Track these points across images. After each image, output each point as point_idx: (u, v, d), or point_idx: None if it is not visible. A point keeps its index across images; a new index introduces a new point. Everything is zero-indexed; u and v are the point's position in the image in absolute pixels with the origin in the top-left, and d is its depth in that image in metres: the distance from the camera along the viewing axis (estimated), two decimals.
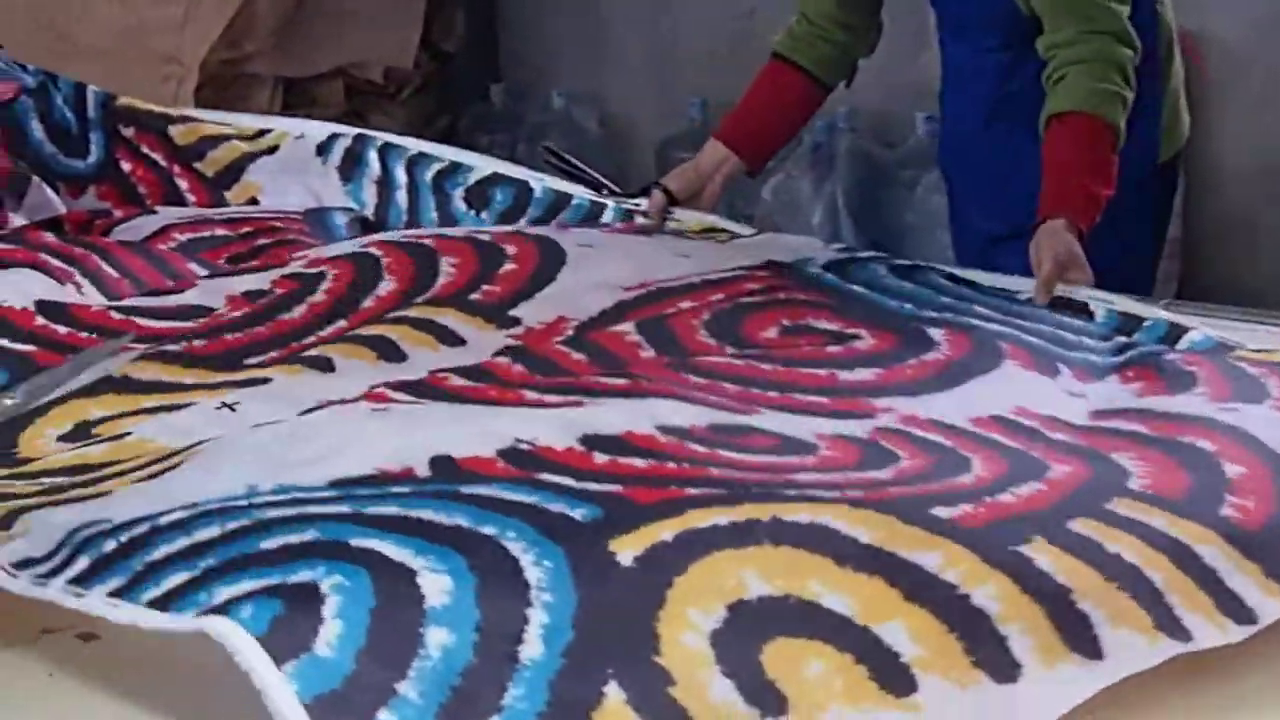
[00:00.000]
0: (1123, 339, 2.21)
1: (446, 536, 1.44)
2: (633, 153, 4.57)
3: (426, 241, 2.47)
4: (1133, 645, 1.43)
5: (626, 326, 2.15)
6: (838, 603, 1.41)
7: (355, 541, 1.43)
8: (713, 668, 1.35)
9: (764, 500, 1.53)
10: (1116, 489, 1.64)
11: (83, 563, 1.52)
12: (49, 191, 2.97)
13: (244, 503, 1.56)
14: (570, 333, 2.16)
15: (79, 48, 4.08)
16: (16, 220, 2.86)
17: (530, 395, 1.91)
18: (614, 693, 1.32)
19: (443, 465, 1.62)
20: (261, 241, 2.74)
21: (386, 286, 2.34)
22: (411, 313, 2.25)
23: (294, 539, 1.45)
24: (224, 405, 2.01)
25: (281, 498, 1.56)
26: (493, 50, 4.85)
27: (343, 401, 1.91)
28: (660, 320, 2.17)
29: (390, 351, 2.14)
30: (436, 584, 1.38)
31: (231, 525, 1.50)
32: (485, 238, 2.48)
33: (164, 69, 4.03)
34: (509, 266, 2.35)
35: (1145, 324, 2.26)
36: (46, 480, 1.80)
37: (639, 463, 1.65)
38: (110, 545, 1.53)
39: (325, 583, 1.37)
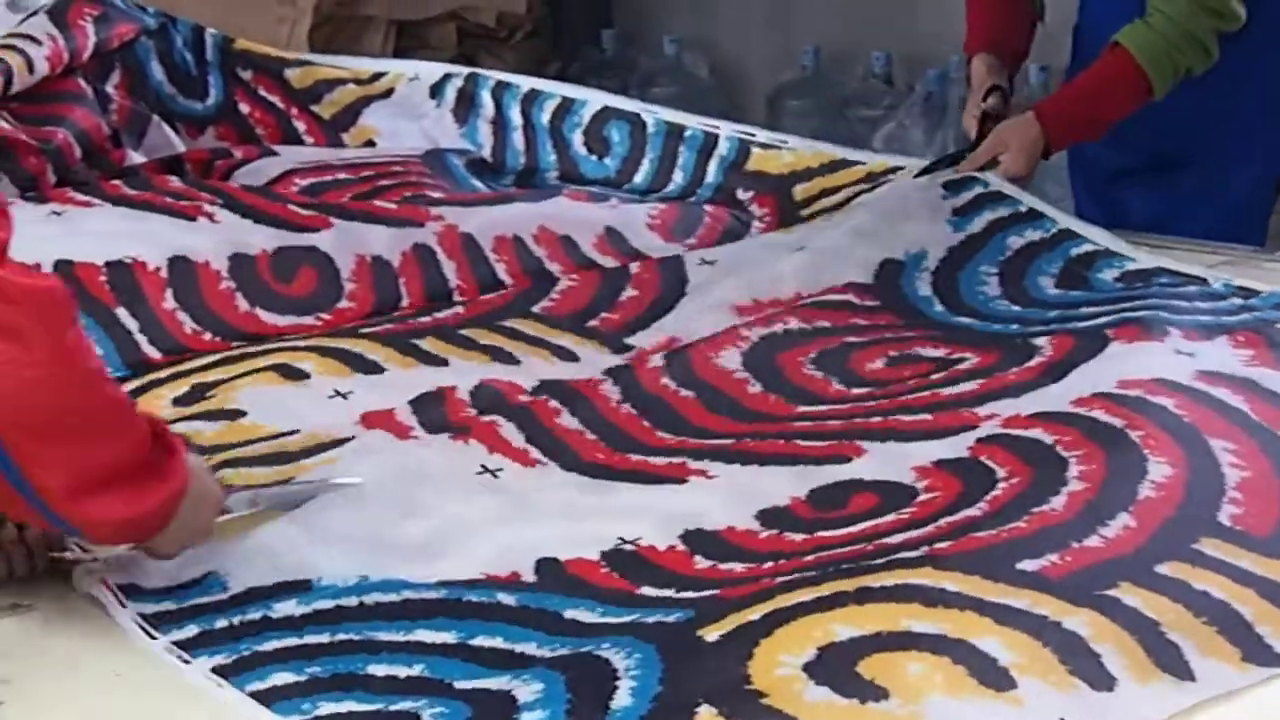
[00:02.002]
0: (1238, 301, 2.20)
1: (544, 662, 1.49)
2: (744, 100, 4.54)
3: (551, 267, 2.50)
4: (1223, 672, 1.44)
5: (734, 359, 2.14)
6: (931, 628, 1.44)
7: (460, 684, 1.47)
8: (807, 682, 1.39)
9: (851, 575, 1.55)
10: (1205, 524, 1.63)
11: (191, 629, 1.57)
12: (169, 131, 3.00)
13: (355, 601, 1.60)
14: (678, 348, 2.17)
15: None
16: (136, 158, 2.90)
17: (635, 459, 1.92)
18: (705, 710, 1.36)
19: (548, 570, 1.67)
20: (383, 183, 2.76)
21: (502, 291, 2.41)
22: (528, 329, 2.28)
23: (402, 671, 1.50)
24: (336, 393, 2.07)
25: (392, 598, 1.61)
26: None
27: (454, 431, 1.94)
28: (769, 355, 2.16)
29: (503, 356, 2.18)
30: (529, 688, 1.43)
31: (342, 637, 1.55)
32: (609, 262, 2.50)
33: (278, 10, 4.04)
34: (629, 293, 2.37)
35: (1262, 292, 2.24)
36: None
37: (738, 567, 1.67)
38: (221, 623, 1.58)
39: (427, 713, 1.43)
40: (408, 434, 1.96)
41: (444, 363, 2.17)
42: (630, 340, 2.26)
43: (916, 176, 2.62)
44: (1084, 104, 2.58)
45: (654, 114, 2.97)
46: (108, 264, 2.32)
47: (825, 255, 2.41)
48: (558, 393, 2.04)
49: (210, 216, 2.50)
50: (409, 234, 2.53)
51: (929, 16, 4.04)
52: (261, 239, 2.46)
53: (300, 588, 1.63)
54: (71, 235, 2.38)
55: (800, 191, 2.76)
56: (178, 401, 2.09)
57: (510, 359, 2.18)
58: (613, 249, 2.57)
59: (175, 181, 2.68)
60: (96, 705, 1.47)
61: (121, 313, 2.27)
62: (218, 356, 2.23)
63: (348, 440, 1.93)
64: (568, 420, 1.98)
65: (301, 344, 2.25)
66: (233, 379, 2.13)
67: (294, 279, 2.42)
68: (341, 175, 2.79)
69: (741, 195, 2.79)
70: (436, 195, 2.72)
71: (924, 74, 4.10)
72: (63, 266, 2.27)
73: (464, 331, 2.28)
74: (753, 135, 2.86)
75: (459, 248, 2.51)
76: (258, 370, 2.15)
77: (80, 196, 2.57)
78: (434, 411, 2.01)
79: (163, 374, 2.18)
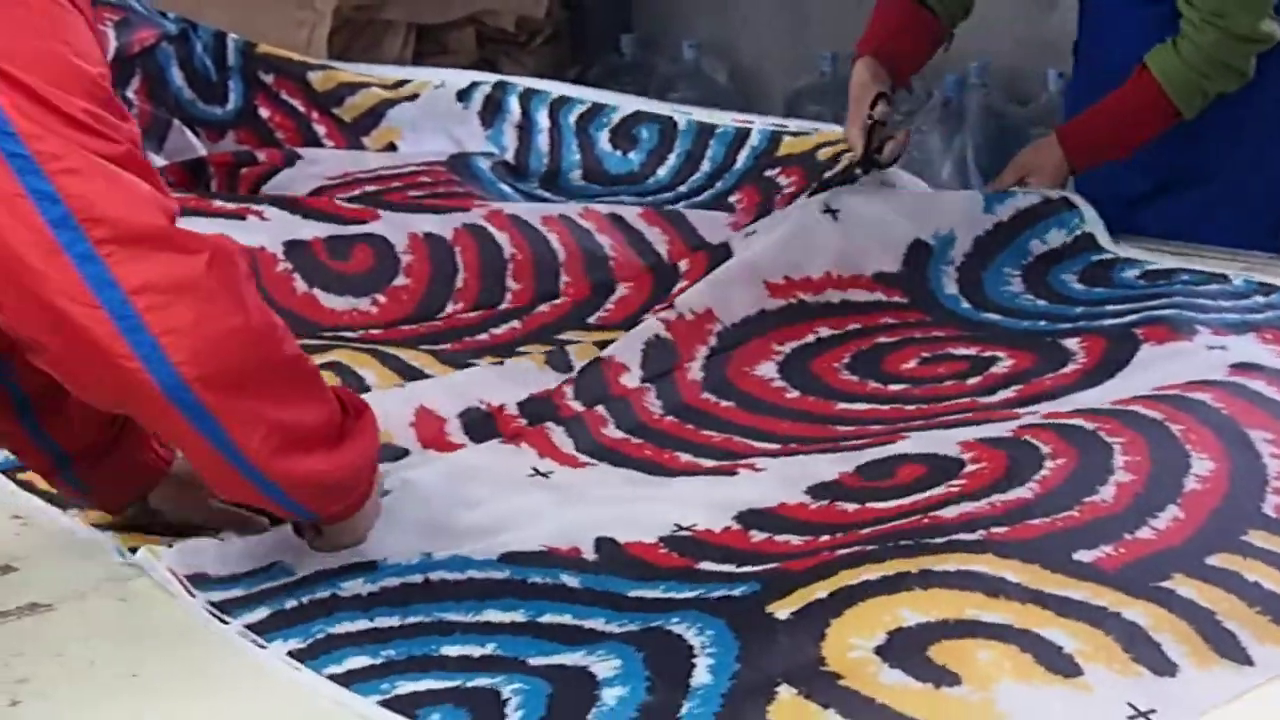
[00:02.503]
0: (1261, 299, 2.22)
1: (617, 638, 1.51)
2: (762, 105, 4.54)
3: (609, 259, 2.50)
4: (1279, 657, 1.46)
5: (769, 370, 2.15)
6: (996, 618, 1.47)
7: (534, 660, 1.49)
8: (880, 664, 1.42)
9: (912, 554, 1.58)
10: (1251, 516, 1.66)
11: (262, 612, 1.59)
12: (189, 134, 3.00)
13: (420, 578, 1.63)
14: (714, 343, 2.19)
15: None
16: (157, 161, 2.90)
17: (685, 459, 1.95)
18: (785, 690, 1.39)
19: (608, 549, 1.70)
20: (413, 193, 2.75)
21: (559, 301, 2.40)
22: (583, 339, 2.28)
23: (475, 651, 1.52)
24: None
25: (457, 576, 1.64)
26: (624, 0, 4.85)
27: (504, 438, 1.96)
28: (803, 363, 2.17)
29: (558, 362, 2.17)
30: (607, 664, 1.45)
31: (412, 620, 1.57)
32: (662, 255, 2.50)
33: (298, 15, 4.05)
34: (681, 285, 2.35)
35: None
36: None
37: (794, 540, 1.70)
38: (291, 603, 1.60)
39: (506, 689, 1.44)
40: (456, 449, 1.97)
41: (499, 362, 2.17)
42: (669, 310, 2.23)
43: (811, 195, 2.48)
44: (1109, 128, 2.55)
45: (687, 115, 2.97)
46: None
47: (857, 230, 2.39)
48: (604, 399, 2.06)
49: (260, 214, 2.51)
50: (457, 216, 2.53)
51: None
52: (313, 230, 2.47)
53: (366, 568, 1.65)
54: None
55: (824, 153, 2.74)
56: None
57: (565, 364, 2.17)
58: (660, 219, 2.58)
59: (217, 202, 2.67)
60: (113, 706, 1.46)
61: None
62: None
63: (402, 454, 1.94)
64: (613, 432, 2.00)
65: (363, 346, 2.24)
66: None
67: (350, 256, 2.42)
68: (370, 188, 2.78)
69: (769, 173, 2.78)
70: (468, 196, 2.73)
71: (942, 80, 4.09)
72: None
73: (521, 350, 2.28)
74: (785, 126, 2.87)
75: (509, 223, 2.52)
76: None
77: None
78: (485, 428, 2.01)
79: None
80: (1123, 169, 2.65)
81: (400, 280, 2.42)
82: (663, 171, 2.88)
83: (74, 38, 1.46)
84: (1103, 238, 2.45)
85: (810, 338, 2.23)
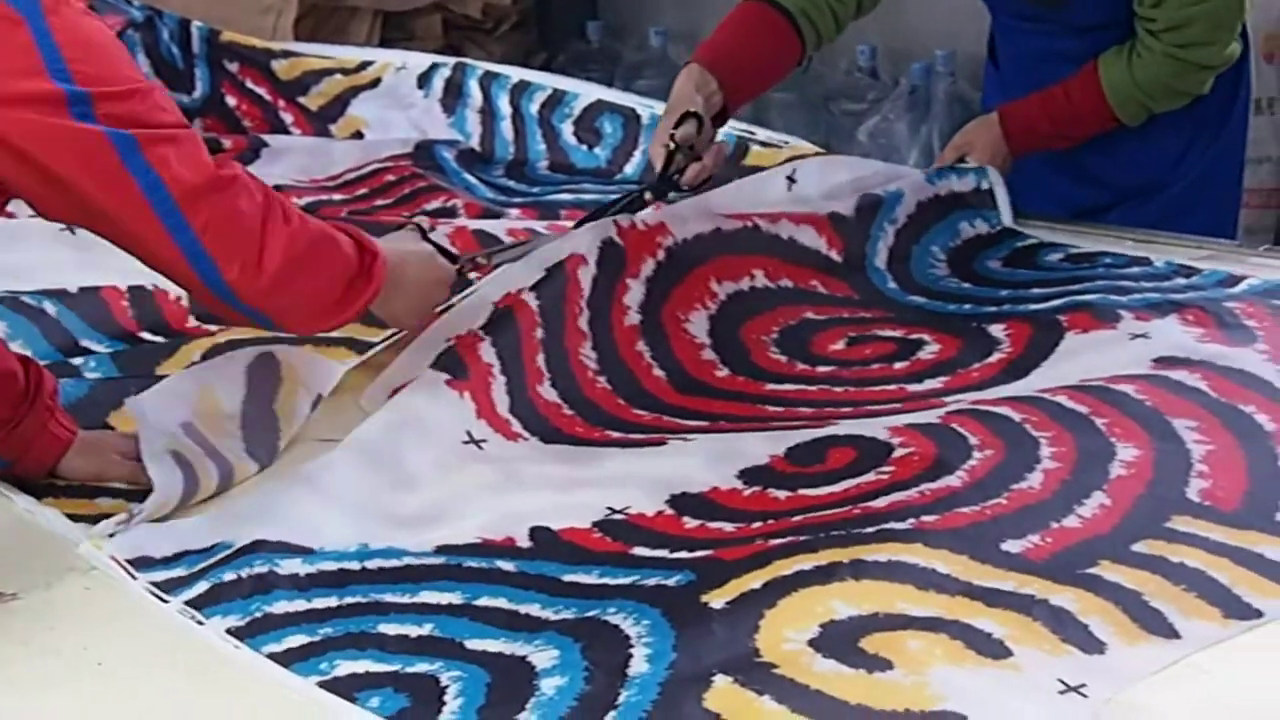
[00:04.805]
0: (1182, 280, 2.25)
1: (554, 626, 1.54)
2: None
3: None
4: (1207, 630, 1.49)
5: (703, 337, 2.16)
6: (925, 611, 1.50)
7: (470, 643, 1.52)
8: (814, 655, 1.45)
9: (844, 544, 1.61)
10: (1176, 501, 1.68)
11: (201, 586, 1.62)
12: None
13: (357, 565, 1.66)
14: (661, 257, 2.18)
15: None
16: None
17: (616, 435, 1.96)
18: (721, 679, 1.43)
19: (543, 537, 1.72)
20: (379, 203, 2.75)
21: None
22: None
23: (412, 630, 1.55)
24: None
25: (394, 563, 1.67)
26: None
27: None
28: (734, 329, 2.18)
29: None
30: (546, 654, 1.49)
31: (349, 600, 1.60)
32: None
33: (264, 0, 4.04)
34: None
35: (1204, 270, 2.28)
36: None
37: (727, 526, 1.73)
38: (229, 575, 1.63)
39: (445, 675, 1.47)
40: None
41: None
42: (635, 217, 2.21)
43: (582, 223, 2.29)
44: (1049, 119, 2.50)
45: (650, 108, 2.93)
46: (130, 288, 2.31)
47: (812, 189, 2.42)
48: (558, 311, 2.06)
49: None
50: None
51: (914, 10, 4.05)
52: None
53: (304, 551, 1.68)
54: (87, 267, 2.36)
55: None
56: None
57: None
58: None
59: None
60: (78, 694, 1.47)
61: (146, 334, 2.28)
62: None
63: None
64: (548, 392, 2.01)
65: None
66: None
67: None
68: (336, 196, 2.77)
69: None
70: (433, 205, 2.70)
71: (909, 68, 4.10)
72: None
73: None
74: (753, 134, 2.84)
75: (473, 243, 2.46)
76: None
77: None
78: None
79: (197, 352, 2.20)
80: (1077, 183, 2.64)
81: None
82: (630, 169, 2.88)
83: None
84: (1025, 229, 2.46)
85: (745, 283, 2.24)
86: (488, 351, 2.00)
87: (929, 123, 4.23)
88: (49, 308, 2.24)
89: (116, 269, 2.32)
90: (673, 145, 2.30)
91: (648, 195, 2.31)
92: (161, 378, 2.08)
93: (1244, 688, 1.42)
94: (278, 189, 2.67)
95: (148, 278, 2.30)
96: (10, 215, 2.54)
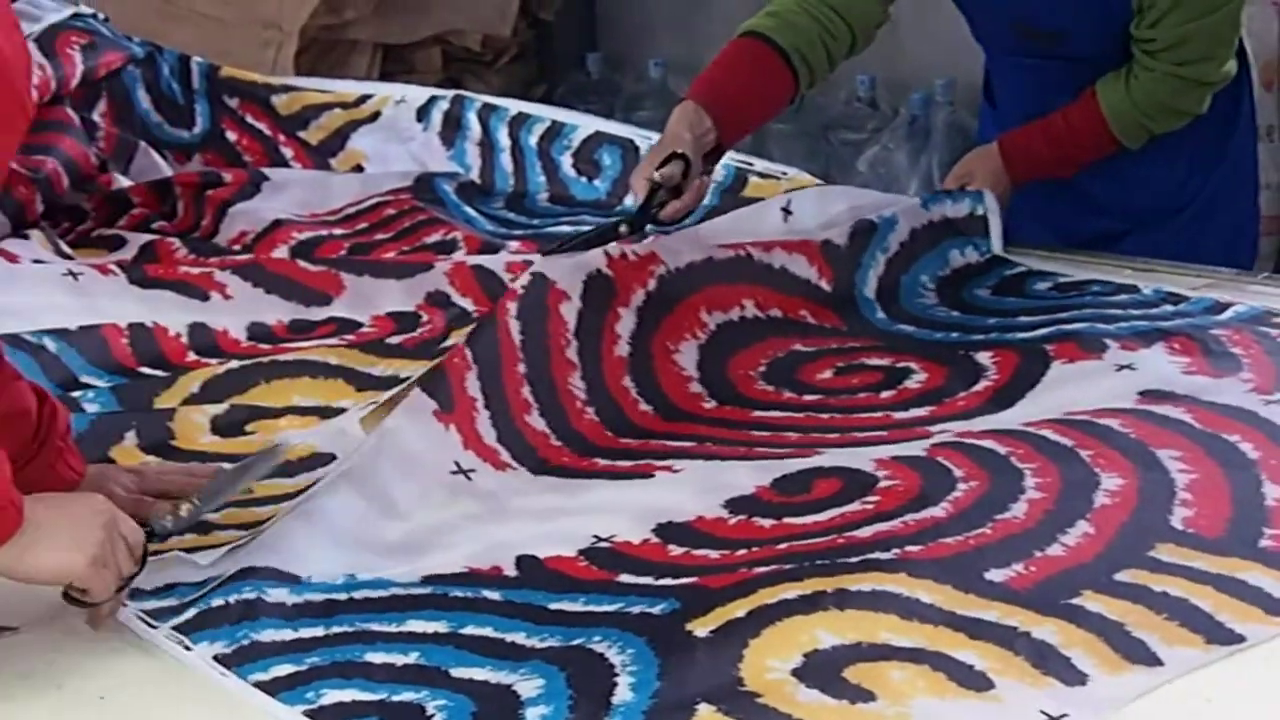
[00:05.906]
0: (1170, 308, 2.26)
1: (539, 655, 1.55)
2: None
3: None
4: (1189, 656, 1.49)
5: (691, 369, 2.15)
6: (909, 642, 1.51)
7: (456, 671, 1.53)
8: (797, 685, 1.47)
9: (828, 573, 1.62)
10: (1159, 530, 1.69)
11: (189, 613, 1.64)
12: (155, 156, 3.02)
13: (344, 596, 1.67)
14: (652, 286, 2.18)
15: (183, 11, 4.12)
16: (123, 182, 2.91)
17: (603, 463, 1.97)
18: (705, 708, 1.44)
19: (529, 566, 1.73)
20: (379, 237, 2.74)
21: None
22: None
23: (398, 659, 1.56)
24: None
25: (380, 594, 1.68)
26: (590, 19, 4.85)
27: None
28: (722, 362, 2.18)
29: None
30: (531, 683, 1.50)
31: (336, 630, 1.61)
32: None
33: (264, 34, 4.06)
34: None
35: (1191, 297, 2.29)
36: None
37: (712, 554, 1.74)
38: (217, 602, 1.65)
39: (431, 704, 1.48)
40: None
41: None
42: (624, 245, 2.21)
43: (547, 253, 2.28)
44: (1049, 148, 2.51)
45: (648, 140, 2.91)
46: (130, 325, 2.33)
47: (808, 220, 2.41)
48: (539, 330, 2.06)
49: (223, 290, 2.48)
50: (421, 282, 2.48)
51: (913, 40, 4.06)
52: (276, 311, 2.44)
53: (291, 579, 1.69)
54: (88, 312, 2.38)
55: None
56: (216, 429, 2.11)
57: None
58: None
59: (181, 252, 2.69)
60: None
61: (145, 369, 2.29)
62: (251, 361, 2.25)
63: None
64: (536, 421, 2.01)
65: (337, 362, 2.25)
66: (274, 413, 2.15)
67: (313, 335, 2.40)
68: (337, 231, 2.77)
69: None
70: (433, 239, 2.70)
71: (908, 97, 4.12)
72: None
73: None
74: (751, 165, 2.83)
75: (472, 281, 2.47)
76: (298, 411, 2.16)
77: (92, 262, 2.58)
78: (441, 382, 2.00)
79: (196, 384, 2.21)
80: (1086, 213, 2.63)
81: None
82: (629, 200, 2.85)
83: None
84: (1014, 257, 2.46)
85: (735, 313, 2.24)
86: (473, 384, 2.00)
87: (929, 152, 4.24)
88: (49, 344, 2.25)
89: (117, 314, 2.36)
90: (650, 181, 2.31)
91: (622, 228, 2.30)
92: (160, 410, 2.10)
93: (1235, 714, 1.43)
94: (279, 224, 2.75)
95: (148, 318, 2.35)
96: (14, 259, 2.61)
